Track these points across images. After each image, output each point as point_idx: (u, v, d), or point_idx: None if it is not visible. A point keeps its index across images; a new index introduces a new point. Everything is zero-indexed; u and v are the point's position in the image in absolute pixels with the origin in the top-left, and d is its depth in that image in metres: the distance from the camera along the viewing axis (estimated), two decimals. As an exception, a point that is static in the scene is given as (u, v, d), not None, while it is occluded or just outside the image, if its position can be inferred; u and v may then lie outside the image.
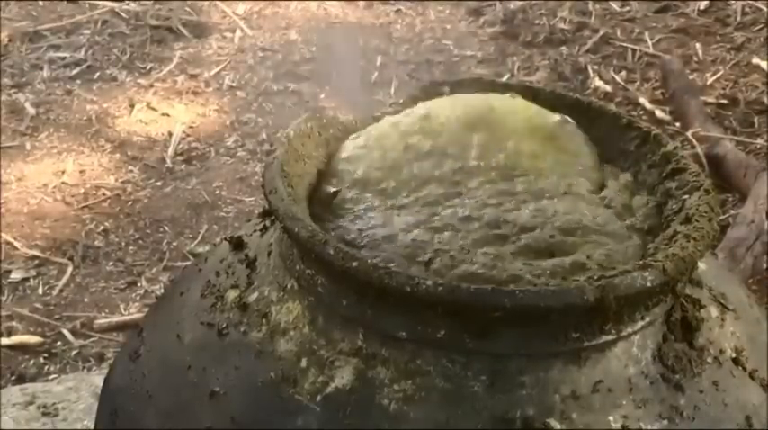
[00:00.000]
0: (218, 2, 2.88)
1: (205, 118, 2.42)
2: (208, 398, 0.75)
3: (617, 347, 0.73)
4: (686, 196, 0.80)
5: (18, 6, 2.82)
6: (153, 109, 2.44)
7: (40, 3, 2.84)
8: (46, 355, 1.76)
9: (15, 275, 1.93)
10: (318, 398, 0.72)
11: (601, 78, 2.52)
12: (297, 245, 0.76)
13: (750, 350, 0.79)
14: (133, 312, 1.84)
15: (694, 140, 2.18)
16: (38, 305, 1.86)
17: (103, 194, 2.15)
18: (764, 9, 2.79)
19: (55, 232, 2.04)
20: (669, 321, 0.75)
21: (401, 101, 0.93)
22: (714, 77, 2.54)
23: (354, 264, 0.71)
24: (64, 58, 2.62)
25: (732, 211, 2.00)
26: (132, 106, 2.45)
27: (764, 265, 1.84)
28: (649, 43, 2.68)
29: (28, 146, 2.30)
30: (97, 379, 1.43)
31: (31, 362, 1.75)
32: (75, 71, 2.57)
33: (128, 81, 2.54)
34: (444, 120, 0.86)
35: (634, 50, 2.64)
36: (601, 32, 2.72)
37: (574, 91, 2.21)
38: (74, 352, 1.77)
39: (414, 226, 0.78)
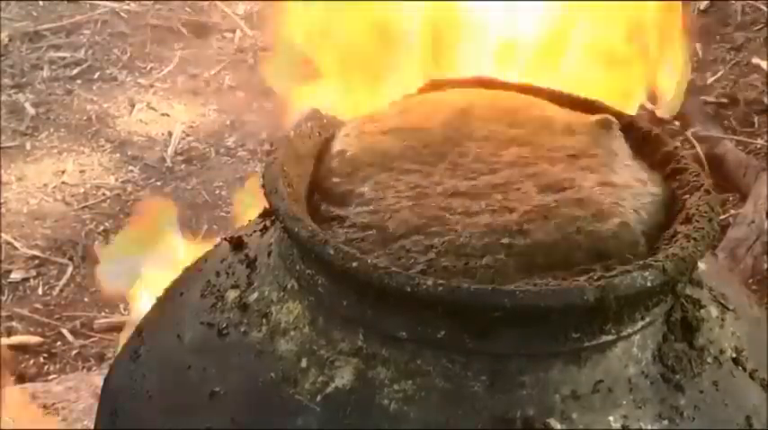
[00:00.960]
0: (218, 2, 2.88)
1: (205, 118, 2.42)
2: (208, 398, 0.75)
3: (617, 347, 0.73)
4: (686, 196, 0.80)
5: (18, 6, 2.82)
6: (153, 109, 2.44)
7: (40, 3, 2.84)
8: (46, 355, 1.76)
9: (15, 275, 1.93)
10: (318, 398, 0.72)
11: (601, 78, 2.52)
12: (297, 245, 0.76)
13: (750, 350, 0.79)
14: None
15: (694, 140, 2.18)
16: (38, 305, 1.86)
17: (103, 194, 2.15)
18: (764, 9, 2.79)
19: (55, 232, 2.04)
20: (669, 321, 0.75)
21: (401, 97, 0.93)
22: (714, 77, 2.54)
23: (354, 264, 0.71)
24: (64, 58, 2.62)
25: (732, 211, 2.01)
26: (132, 106, 2.45)
27: (764, 265, 1.84)
28: (650, 43, 2.68)
29: (28, 146, 2.30)
30: (97, 379, 1.43)
31: (31, 362, 1.75)
32: (75, 71, 2.57)
33: (128, 81, 2.54)
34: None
35: (634, 50, 2.64)
36: (601, 32, 2.72)
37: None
38: (74, 352, 1.77)
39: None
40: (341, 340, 0.73)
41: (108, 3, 2.84)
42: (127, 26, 2.77)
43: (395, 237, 0.76)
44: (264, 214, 0.87)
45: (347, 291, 0.74)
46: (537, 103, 0.89)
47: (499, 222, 0.75)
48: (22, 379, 1.69)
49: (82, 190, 2.17)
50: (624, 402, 0.72)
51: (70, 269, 1.95)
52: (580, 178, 0.79)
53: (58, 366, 1.74)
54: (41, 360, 1.75)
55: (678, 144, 0.85)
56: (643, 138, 0.87)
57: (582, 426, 0.70)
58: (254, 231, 0.87)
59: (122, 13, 2.81)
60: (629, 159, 0.84)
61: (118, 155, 2.28)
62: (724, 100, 2.45)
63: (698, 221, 0.76)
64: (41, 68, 2.57)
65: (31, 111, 2.41)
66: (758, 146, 2.27)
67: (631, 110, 1.03)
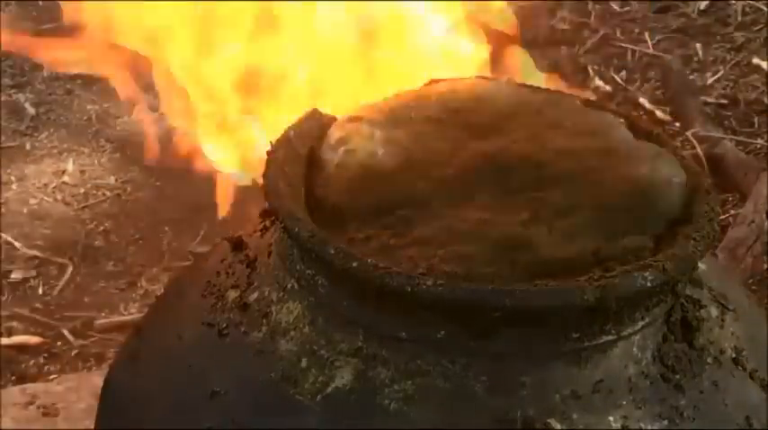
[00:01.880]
0: (218, 2, 2.88)
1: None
2: (208, 398, 0.75)
3: (617, 347, 0.73)
4: (686, 196, 0.80)
5: (18, 6, 2.82)
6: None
7: (40, 3, 2.84)
8: (46, 355, 1.76)
9: (15, 275, 1.93)
10: (318, 398, 0.72)
11: (601, 78, 2.52)
12: (297, 245, 0.76)
13: (750, 350, 0.79)
14: (133, 312, 1.84)
15: (694, 140, 2.18)
16: (38, 305, 1.86)
17: (103, 194, 2.15)
18: (764, 9, 2.79)
19: (55, 232, 2.04)
20: (669, 321, 0.75)
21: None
22: (714, 77, 2.54)
23: (354, 264, 0.71)
24: (64, 58, 2.62)
25: (732, 211, 2.00)
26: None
27: (764, 265, 1.84)
28: (649, 43, 2.68)
29: (28, 146, 2.30)
30: (97, 379, 1.42)
31: (31, 362, 1.75)
32: (75, 71, 2.57)
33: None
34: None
35: (634, 50, 2.64)
36: (601, 32, 2.72)
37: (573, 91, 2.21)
38: (74, 352, 1.77)
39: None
40: (341, 340, 0.73)
41: (108, 3, 2.84)
42: (127, 26, 2.77)
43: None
44: (264, 214, 0.87)
45: (347, 291, 0.74)
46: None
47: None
48: (22, 379, 1.69)
49: (82, 190, 2.16)
50: (624, 402, 0.72)
51: (70, 269, 1.94)
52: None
53: (58, 366, 1.74)
54: (41, 360, 1.75)
55: (678, 144, 0.85)
56: (644, 138, 0.87)
57: (582, 426, 0.70)
58: (254, 231, 0.87)
59: (122, 13, 2.81)
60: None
61: (118, 155, 2.28)
62: (724, 100, 2.45)
63: (698, 221, 0.76)
64: (41, 68, 2.57)
65: (31, 111, 2.41)
66: (758, 146, 2.27)
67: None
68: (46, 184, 2.17)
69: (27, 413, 1.45)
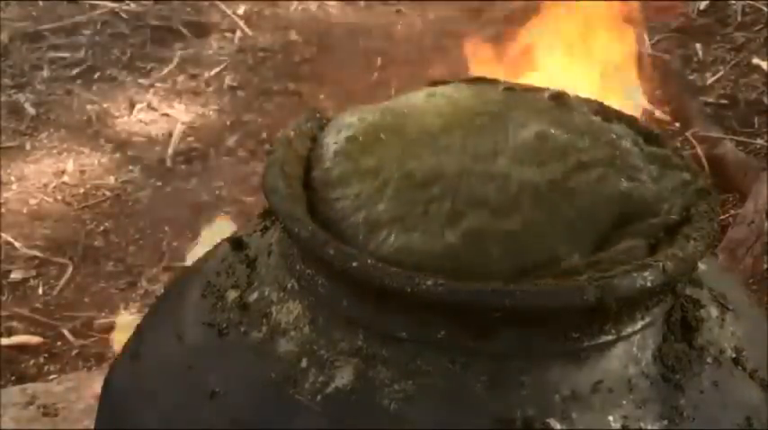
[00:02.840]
0: (218, 2, 2.88)
1: (205, 118, 2.42)
2: (208, 398, 0.75)
3: (617, 347, 0.73)
4: (686, 196, 0.80)
5: (18, 6, 2.82)
6: (153, 109, 2.44)
7: (40, 3, 2.85)
8: (46, 355, 1.76)
9: (15, 275, 1.93)
10: (318, 398, 0.72)
11: (601, 78, 2.52)
12: (297, 245, 0.76)
13: (750, 350, 0.79)
14: (133, 312, 1.84)
15: (694, 140, 2.18)
16: (38, 305, 1.86)
17: (103, 194, 2.15)
18: (764, 9, 2.79)
19: (55, 232, 2.04)
20: (669, 321, 0.75)
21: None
22: (714, 77, 2.54)
23: (354, 263, 0.71)
24: (64, 58, 2.62)
25: (732, 211, 2.00)
26: (132, 106, 2.45)
27: (764, 265, 1.84)
28: (649, 43, 2.68)
29: (28, 146, 2.30)
30: (97, 379, 1.43)
31: (31, 362, 1.75)
32: (75, 71, 2.57)
33: (128, 81, 2.55)
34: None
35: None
36: (601, 32, 2.72)
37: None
38: (74, 352, 1.77)
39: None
40: (341, 340, 0.73)
41: (108, 3, 2.84)
42: (127, 26, 2.77)
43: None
44: (264, 214, 0.87)
45: (347, 291, 0.74)
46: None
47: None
48: (22, 379, 1.69)
49: (82, 190, 2.17)
50: (624, 402, 0.72)
51: (70, 269, 1.95)
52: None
53: (58, 366, 1.74)
54: (41, 360, 1.75)
55: (678, 144, 0.85)
56: (643, 138, 0.87)
57: (582, 426, 0.70)
58: (254, 231, 0.87)
59: (122, 14, 2.81)
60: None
61: (118, 155, 2.28)
62: (724, 100, 2.45)
63: (698, 221, 0.76)
64: (41, 68, 2.57)
65: (31, 111, 2.41)
66: (758, 146, 2.27)
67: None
68: (46, 184, 2.17)
69: (27, 413, 1.45)
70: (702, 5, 2.83)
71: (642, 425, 0.71)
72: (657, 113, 2.37)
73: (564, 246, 0.74)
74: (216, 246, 0.92)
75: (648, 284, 0.71)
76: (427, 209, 0.76)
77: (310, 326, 0.75)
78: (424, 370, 0.71)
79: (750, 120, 2.38)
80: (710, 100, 2.45)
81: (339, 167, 0.80)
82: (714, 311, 0.79)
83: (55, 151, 2.29)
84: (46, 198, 2.13)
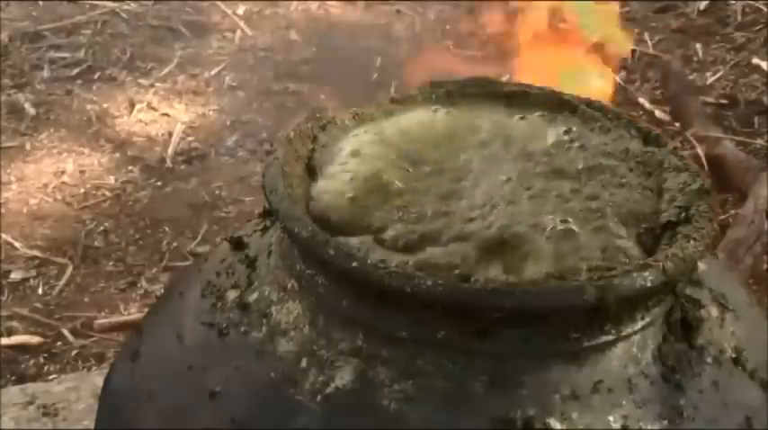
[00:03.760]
0: (218, 2, 2.88)
1: (205, 118, 2.42)
2: (208, 398, 0.75)
3: (617, 347, 0.73)
4: (686, 196, 0.80)
5: (18, 6, 2.82)
6: (153, 109, 2.44)
7: (40, 3, 2.85)
8: (46, 355, 1.76)
9: (15, 275, 1.93)
10: (318, 398, 0.72)
11: (601, 78, 2.52)
12: (297, 245, 0.76)
13: (750, 350, 0.79)
14: (133, 312, 1.84)
15: (694, 140, 2.18)
16: (38, 305, 1.86)
17: (103, 194, 2.16)
18: (764, 9, 2.79)
19: (55, 232, 2.04)
20: (669, 321, 0.75)
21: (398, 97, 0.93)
22: (714, 77, 2.55)
23: (354, 264, 0.71)
24: (64, 58, 2.62)
25: (732, 211, 2.01)
26: (132, 106, 2.45)
27: (764, 265, 1.84)
28: (649, 43, 2.68)
29: (28, 146, 2.30)
30: (97, 379, 1.43)
31: (31, 362, 1.75)
32: (75, 71, 2.57)
33: (128, 81, 2.55)
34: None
35: (634, 50, 2.64)
36: (601, 32, 2.72)
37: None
38: (74, 352, 1.77)
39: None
40: (341, 340, 0.73)
41: (108, 3, 2.84)
42: (127, 26, 2.77)
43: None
44: (264, 214, 0.87)
45: (347, 291, 0.74)
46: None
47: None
48: (21, 379, 1.69)
49: (82, 190, 2.17)
50: (624, 402, 0.72)
51: (70, 269, 1.95)
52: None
53: (58, 366, 1.74)
54: (41, 360, 1.75)
55: (678, 144, 0.85)
56: (643, 138, 0.87)
57: (582, 426, 0.70)
58: (254, 231, 0.87)
59: (122, 13, 2.81)
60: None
61: (118, 155, 2.28)
62: (724, 100, 2.45)
63: (698, 221, 0.76)
64: (41, 68, 2.57)
65: (31, 111, 2.41)
66: (758, 146, 2.27)
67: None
68: (46, 184, 2.17)
69: (27, 413, 1.45)
70: (702, 5, 2.83)
71: (642, 425, 0.71)
72: (657, 113, 2.37)
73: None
74: (216, 246, 0.92)
75: (648, 284, 0.71)
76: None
77: (310, 326, 0.75)
78: (424, 370, 0.71)
79: (750, 120, 2.38)
80: (710, 100, 2.45)
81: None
82: (714, 311, 0.79)
83: (55, 151, 2.29)
84: (46, 198, 2.13)
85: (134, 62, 2.62)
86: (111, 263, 1.97)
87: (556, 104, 0.91)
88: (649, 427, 0.71)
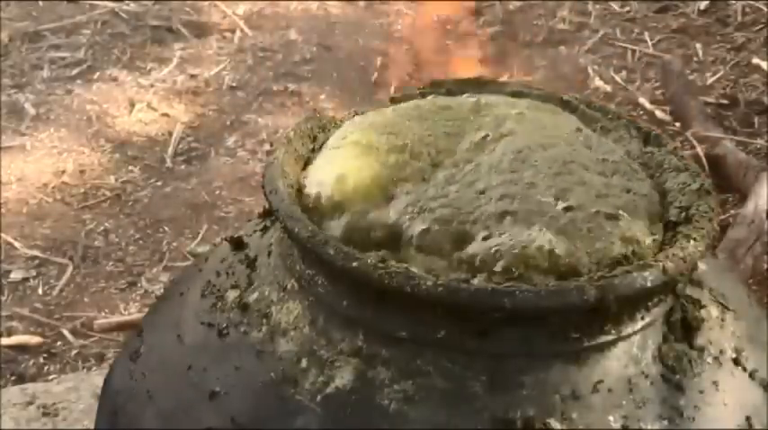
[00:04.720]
0: (218, 2, 2.88)
1: (205, 118, 2.42)
2: (208, 398, 0.76)
3: (617, 347, 0.73)
4: (686, 196, 0.80)
5: (18, 6, 2.82)
6: (153, 109, 2.44)
7: (40, 3, 2.84)
8: (46, 355, 1.76)
9: (15, 275, 1.93)
10: (318, 398, 0.72)
11: (601, 78, 2.52)
12: (297, 245, 0.76)
13: (750, 350, 0.79)
14: (133, 312, 1.84)
15: (694, 140, 2.18)
16: (38, 305, 1.86)
17: (103, 194, 2.15)
18: (764, 9, 2.79)
19: (55, 232, 2.04)
20: (669, 321, 0.75)
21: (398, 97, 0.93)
22: (714, 77, 2.54)
23: (354, 264, 0.71)
24: (64, 58, 2.62)
25: (732, 211, 2.00)
26: (132, 106, 2.45)
27: (764, 265, 1.84)
28: (649, 43, 2.68)
29: (28, 146, 2.30)
30: (97, 379, 1.42)
31: (31, 362, 1.75)
32: (75, 71, 2.57)
33: (128, 81, 2.54)
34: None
35: (634, 50, 2.64)
36: (601, 32, 2.72)
37: (574, 91, 2.21)
38: (74, 352, 1.77)
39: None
40: (341, 340, 0.73)
41: (108, 3, 2.84)
42: (127, 26, 2.77)
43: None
44: (264, 214, 0.87)
45: (347, 291, 0.74)
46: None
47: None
48: (21, 379, 1.69)
49: (82, 190, 2.16)
50: (624, 402, 0.72)
51: (70, 269, 1.94)
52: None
53: (58, 366, 1.74)
54: (41, 360, 1.75)
55: (678, 144, 0.85)
56: (643, 138, 0.87)
57: (582, 426, 0.70)
58: (254, 231, 0.87)
59: (122, 13, 2.81)
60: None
61: (118, 155, 2.28)
62: (724, 100, 2.45)
63: (698, 221, 0.76)
64: (41, 68, 2.57)
65: (31, 111, 2.41)
66: (758, 146, 2.27)
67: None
68: (46, 184, 2.17)
69: (27, 413, 1.45)
70: (702, 5, 2.83)
71: (642, 425, 0.71)
72: (657, 113, 2.37)
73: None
74: (216, 246, 0.92)
75: (648, 284, 0.71)
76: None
77: (310, 326, 0.75)
78: (424, 370, 0.71)
79: (750, 120, 2.38)
80: (710, 100, 2.45)
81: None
82: (714, 311, 0.79)
83: (55, 151, 2.28)
84: (46, 198, 2.13)
85: (134, 62, 2.62)
86: (111, 263, 1.97)
87: (557, 105, 0.91)
88: (649, 427, 0.71)
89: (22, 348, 1.77)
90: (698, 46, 2.67)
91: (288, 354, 0.74)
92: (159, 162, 2.26)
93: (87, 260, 1.97)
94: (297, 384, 0.73)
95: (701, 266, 0.80)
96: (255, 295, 0.79)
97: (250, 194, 2.15)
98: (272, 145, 2.28)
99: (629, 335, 0.73)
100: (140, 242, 2.03)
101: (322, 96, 2.49)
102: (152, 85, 2.53)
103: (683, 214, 0.78)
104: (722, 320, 0.79)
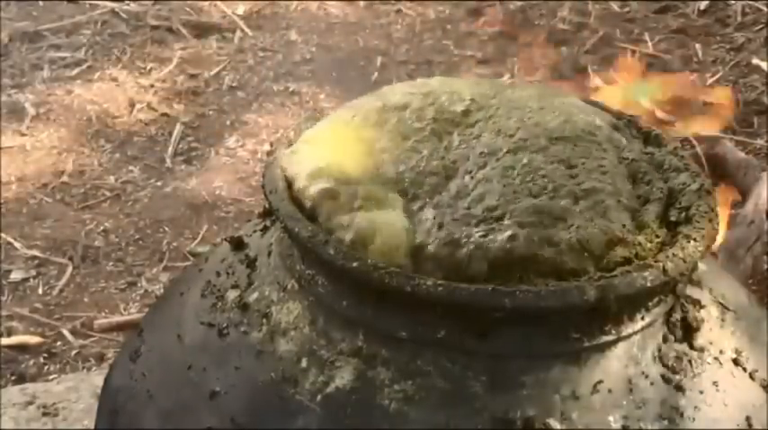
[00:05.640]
0: (218, 2, 2.88)
1: (205, 118, 2.42)
2: (208, 398, 0.76)
3: (617, 348, 0.73)
4: (686, 196, 0.80)
5: (18, 6, 2.82)
6: (153, 109, 2.44)
7: (40, 3, 2.84)
8: (46, 355, 1.76)
9: (15, 275, 1.93)
10: (318, 398, 0.72)
11: (601, 78, 2.52)
12: (297, 245, 0.76)
13: (750, 350, 0.79)
14: (133, 312, 1.84)
15: (694, 140, 2.18)
16: (38, 305, 1.86)
17: (103, 194, 2.15)
18: (764, 9, 2.79)
19: (55, 232, 2.04)
20: (669, 322, 0.75)
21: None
22: (714, 77, 2.54)
23: (354, 264, 0.71)
24: (64, 58, 2.62)
25: (732, 211, 2.00)
26: (132, 106, 2.45)
27: (764, 265, 1.84)
28: (649, 43, 2.68)
29: (28, 146, 2.30)
30: (97, 379, 1.42)
31: (31, 362, 1.75)
32: (75, 71, 2.57)
33: (128, 81, 2.54)
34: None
35: (634, 50, 2.64)
36: (601, 32, 2.72)
37: (573, 91, 2.21)
38: (74, 352, 1.77)
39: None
40: (341, 340, 0.73)
41: (108, 3, 2.84)
42: (127, 26, 2.77)
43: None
44: (264, 214, 0.87)
45: (347, 291, 0.74)
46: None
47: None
48: (21, 379, 1.69)
49: (82, 190, 2.16)
50: (624, 402, 0.72)
51: (70, 269, 1.94)
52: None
53: (57, 366, 1.74)
54: (41, 360, 1.75)
55: (678, 144, 0.85)
56: (643, 138, 0.87)
57: (582, 427, 0.70)
58: (254, 231, 0.87)
59: (122, 13, 2.81)
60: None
61: (118, 155, 2.28)
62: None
63: (698, 221, 0.76)
64: (41, 68, 2.57)
65: (31, 111, 2.41)
66: (758, 146, 2.27)
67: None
68: (46, 184, 2.17)
69: (27, 413, 1.45)
70: (702, 5, 2.83)
71: (642, 425, 0.71)
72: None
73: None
74: (216, 246, 0.92)
75: (648, 284, 0.71)
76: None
77: (310, 326, 0.75)
78: (424, 370, 0.71)
79: (750, 121, 2.38)
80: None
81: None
82: (714, 312, 0.79)
83: (55, 151, 2.28)
84: (46, 198, 2.13)
85: (134, 62, 2.62)
86: (111, 263, 1.97)
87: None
88: (649, 427, 0.71)
89: (22, 348, 1.77)
90: (698, 46, 2.67)
91: (288, 354, 0.74)
92: (159, 162, 2.26)
93: (87, 260, 1.97)
94: (297, 384, 0.73)
95: (701, 266, 0.80)
96: (255, 295, 0.79)
97: (250, 194, 2.15)
98: (272, 145, 2.28)
99: (629, 336, 0.73)
100: (140, 242, 2.03)
101: (322, 96, 2.49)
102: (152, 85, 2.53)
103: (683, 214, 0.78)
104: (722, 321, 0.79)
